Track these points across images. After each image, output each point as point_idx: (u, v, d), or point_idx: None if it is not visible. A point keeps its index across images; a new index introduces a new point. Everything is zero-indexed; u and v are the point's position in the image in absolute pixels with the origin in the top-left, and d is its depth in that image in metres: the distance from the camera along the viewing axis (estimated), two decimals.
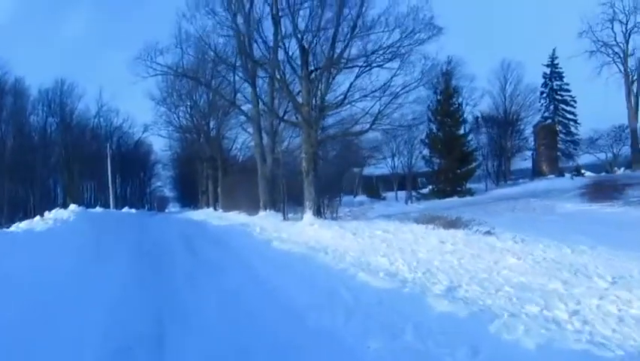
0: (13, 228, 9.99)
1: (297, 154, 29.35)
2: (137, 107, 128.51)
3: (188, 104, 49.41)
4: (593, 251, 9.00)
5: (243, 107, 32.20)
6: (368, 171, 47.21)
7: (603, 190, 22.16)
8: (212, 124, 48.67)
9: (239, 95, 31.49)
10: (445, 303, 6.29)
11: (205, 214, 38.31)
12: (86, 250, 10.78)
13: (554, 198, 23.72)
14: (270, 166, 27.13)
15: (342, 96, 19.25)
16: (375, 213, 21.52)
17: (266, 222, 22.10)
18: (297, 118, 21.40)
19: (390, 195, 40.87)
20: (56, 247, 8.79)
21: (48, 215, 14.08)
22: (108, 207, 45.46)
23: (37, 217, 11.48)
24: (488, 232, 11.51)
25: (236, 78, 30.64)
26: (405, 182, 42.17)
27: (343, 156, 29.79)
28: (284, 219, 22.34)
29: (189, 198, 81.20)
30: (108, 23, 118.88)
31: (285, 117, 22.75)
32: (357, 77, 18.61)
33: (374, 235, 13.20)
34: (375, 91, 18.54)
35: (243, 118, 35.89)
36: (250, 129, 32.65)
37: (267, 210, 26.46)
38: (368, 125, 18.92)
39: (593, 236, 11.06)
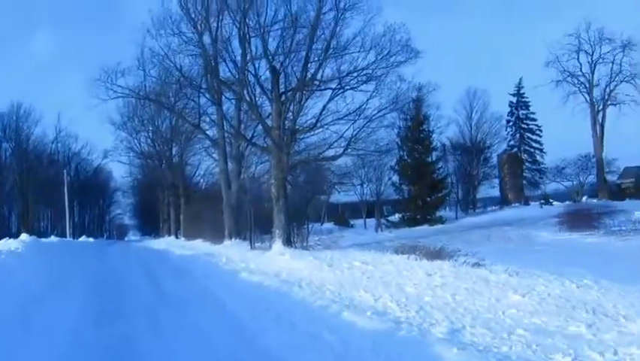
0: None
1: (264, 180, 28.36)
2: (96, 132, 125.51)
3: (150, 129, 48.03)
4: (599, 286, 8.22)
5: (208, 132, 31.09)
6: (334, 198, 46.40)
7: (580, 219, 21.78)
8: (174, 150, 47.35)
9: (204, 118, 30.43)
10: (453, 351, 5.34)
11: (167, 243, 36.72)
12: (32, 287, 9.48)
13: (528, 227, 23.24)
14: (235, 193, 26.03)
15: (314, 119, 18.44)
16: (347, 242, 20.59)
17: (232, 252, 20.92)
18: (265, 142, 20.47)
19: (358, 222, 40.05)
20: None
21: None
22: (65, 236, 43.40)
23: None
24: (477, 264, 10.68)
25: (202, 101, 29.70)
26: (372, 210, 41.50)
27: (311, 183, 28.94)
28: (251, 248, 21.19)
29: (150, 226, 79.00)
30: (68, 46, 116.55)
31: (254, 141, 21.70)
32: (330, 99, 17.86)
33: (352, 267, 12.22)
34: (349, 114, 17.80)
35: (207, 143, 34.73)
36: (215, 154, 31.52)
37: (233, 239, 25.25)
38: (342, 150, 18.06)
39: (588, 268, 10.34)
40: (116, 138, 48.74)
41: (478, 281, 9.12)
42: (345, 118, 17.91)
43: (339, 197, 44.91)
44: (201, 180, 48.56)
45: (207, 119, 30.45)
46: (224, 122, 26.42)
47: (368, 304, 8.48)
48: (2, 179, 57.13)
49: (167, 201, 50.17)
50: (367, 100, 17.51)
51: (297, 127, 17.41)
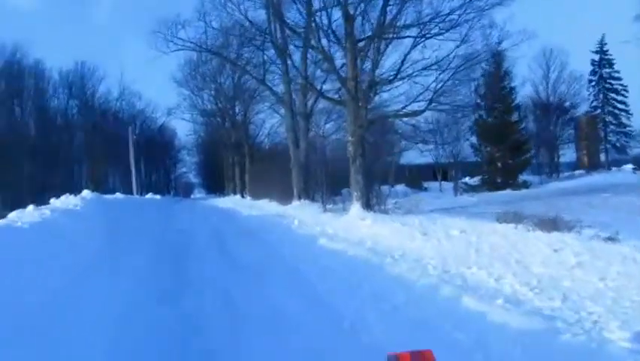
0: None
1: (333, 139, 26.76)
2: (159, 91, 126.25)
3: (213, 86, 47.02)
4: None
5: (273, 88, 29.56)
6: (403, 159, 44.35)
7: None
8: (238, 108, 46.26)
9: (268, 73, 28.90)
10: None
11: (233, 202, 35.94)
12: (86, 253, 8.30)
13: (629, 194, 20.69)
14: (303, 151, 24.53)
15: (392, 71, 16.45)
16: (428, 206, 18.79)
17: (303, 214, 19.57)
18: (339, 96, 18.71)
19: (431, 185, 38.03)
20: (31, 254, 6.27)
21: (54, 202, 11.72)
22: (131, 193, 43.48)
23: (31, 207, 9.00)
24: (610, 238, 8.74)
25: (266, 57, 28.11)
26: (445, 172, 39.37)
27: (381, 142, 27.11)
28: (324, 210, 19.76)
29: (215, 184, 79.17)
30: (129, 4, 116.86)
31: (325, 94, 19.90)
32: (411, 48, 15.80)
33: (451, 236, 10.51)
34: (433, 65, 15.73)
35: (272, 100, 33.23)
36: (282, 111, 30.00)
37: (302, 200, 23.91)
38: (425, 105, 16.12)
39: None
40: (179, 96, 48.16)
41: (627, 262, 7.24)
42: (429, 69, 15.87)
43: (408, 158, 42.90)
44: (266, 140, 47.44)
45: (272, 75, 29.05)
46: (290, 77, 24.74)
47: (487, 286, 6.81)
48: (70, 136, 57.98)
49: (231, 159, 49.49)
50: (456, 47, 15.37)
51: (375, 79, 15.48)
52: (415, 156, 39.73)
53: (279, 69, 26.69)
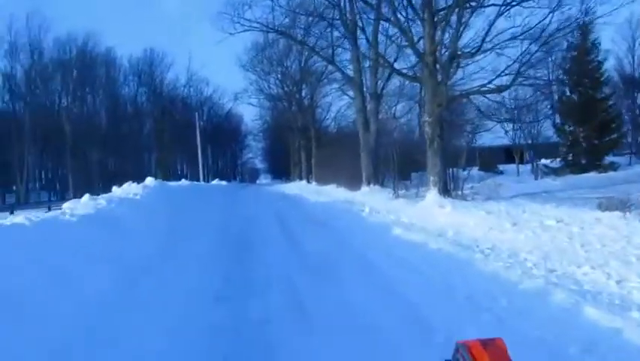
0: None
1: (405, 121, 25.45)
2: (226, 77, 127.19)
3: (279, 70, 46.42)
4: None
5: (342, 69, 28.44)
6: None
7: None
8: (304, 92, 45.53)
9: (336, 57, 27.84)
10: None
11: (299, 188, 35.27)
12: (141, 248, 7.57)
13: None
14: (373, 134, 23.37)
15: (476, 43, 14.95)
16: (509, 192, 17.28)
17: (373, 200, 18.51)
18: (414, 73, 17.40)
19: (506, 168, 35.98)
20: (66, 248, 5.52)
21: (115, 191, 11.18)
22: (198, 179, 43.71)
23: (86, 196, 8.37)
24: None
25: (335, 35, 27.00)
26: (521, 154, 37.17)
27: (455, 123, 25.68)
28: (395, 196, 18.62)
29: (281, 169, 79.17)
30: None
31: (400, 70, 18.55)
32: (497, 16, 14.26)
33: (546, 227, 9.19)
34: (522, 34, 14.15)
35: (341, 81, 32.13)
36: (351, 92, 28.88)
37: (371, 185, 22.81)
38: (510, 79, 14.58)
39: None
40: (245, 80, 47.93)
41: None
42: (517, 39, 14.30)
43: (480, 140, 40.81)
44: (332, 123, 46.43)
45: (341, 56, 27.97)
46: (362, 54, 23.56)
47: (610, 291, 5.57)
48: (140, 124, 59.11)
49: (297, 144, 48.91)
50: (549, 14, 13.69)
51: (457, 52, 14.03)
52: (486, 137, 37.69)
53: (349, 49, 25.61)
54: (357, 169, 25.42)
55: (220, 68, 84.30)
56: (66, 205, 7.75)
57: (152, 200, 10.33)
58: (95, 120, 53.65)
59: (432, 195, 14.02)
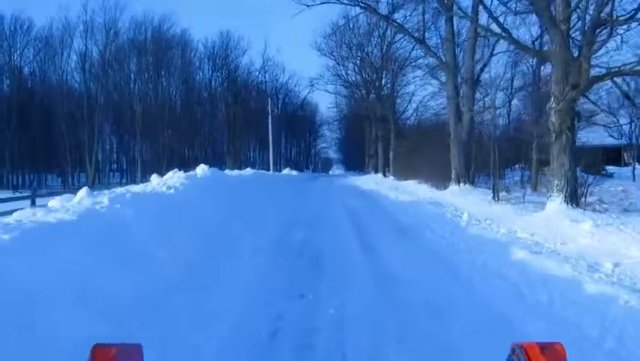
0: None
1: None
2: (302, 64, 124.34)
3: (359, 56, 43.59)
4: None
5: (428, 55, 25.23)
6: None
7: None
8: (384, 80, 42.40)
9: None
10: None
11: (374, 182, 32.33)
12: (163, 276, 4.97)
13: None
14: (467, 125, 20.10)
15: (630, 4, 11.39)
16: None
17: (467, 203, 15.41)
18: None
19: (613, 170, 31.55)
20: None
21: (153, 181, 8.74)
22: (268, 168, 41.64)
23: (83, 191, 5.79)
24: None
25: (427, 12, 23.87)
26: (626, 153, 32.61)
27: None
28: (495, 199, 15.40)
29: (354, 161, 76.49)
30: None
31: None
32: None
33: None
34: None
35: (427, 67, 28.93)
36: (437, 80, 25.66)
37: (461, 184, 19.60)
38: None
39: None
40: (322, 66, 45.42)
41: None
42: None
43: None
44: (413, 115, 43.08)
45: (430, 40, 24.81)
46: (454, 34, 20.30)
47: None
48: (214, 109, 57.73)
49: (374, 135, 45.91)
50: None
51: (605, 17, 10.52)
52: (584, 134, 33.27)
53: (442, 28, 22.46)
54: (442, 165, 22.24)
55: (296, 55, 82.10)
56: (52, 203, 5.29)
57: (191, 196, 7.79)
58: (169, 104, 52.63)
59: (556, 203, 10.76)
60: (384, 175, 39.69)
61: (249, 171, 19.89)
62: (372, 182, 32.04)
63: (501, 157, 22.48)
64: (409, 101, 41.68)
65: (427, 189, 22.11)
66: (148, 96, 51.35)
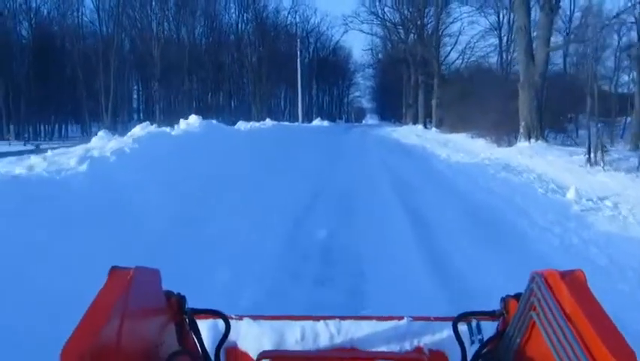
0: None
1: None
2: (336, 5, 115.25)
3: None
4: None
5: None
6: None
7: None
8: (427, 18, 37.61)
9: None
10: None
11: (415, 134, 28.24)
12: None
13: None
14: (541, 65, 15.84)
15: None
16: None
17: (551, 167, 11.60)
18: None
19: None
20: None
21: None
22: (296, 119, 37.91)
23: None
24: None
25: None
26: None
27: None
28: (590, 162, 11.40)
29: (389, 110, 72.15)
30: None
31: None
32: None
33: None
34: None
35: (469, 7, 24.43)
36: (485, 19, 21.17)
37: (532, 140, 15.54)
38: None
39: None
40: (358, 2, 40.80)
41: None
42: None
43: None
44: (460, 58, 38.21)
45: None
46: None
47: None
48: (240, 55, 53.13)
49: (413, 82, 41.42)
50: None
51: None
52: None
53: None
54: (503, 115, 18.18)
55: None
56: None
57: (147, 162, 4.32)
58: (191, 47, 48.58)
59: None
60: (425, 127, 35.55)
61: (267, 123, 16.20)
62: (412, 135, 27.98)
63: (561, 107, 18.38)
64: (455, 42, 36.70)
65: (484, 145, 18.09)
66: (169, 39, 47.36)
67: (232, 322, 1.54)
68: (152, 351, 1.25)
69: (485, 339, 1.48)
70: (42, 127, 47.16)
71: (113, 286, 1.13)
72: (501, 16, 35.07)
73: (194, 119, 9.34)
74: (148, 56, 43.94)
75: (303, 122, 37.87)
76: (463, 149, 17.88)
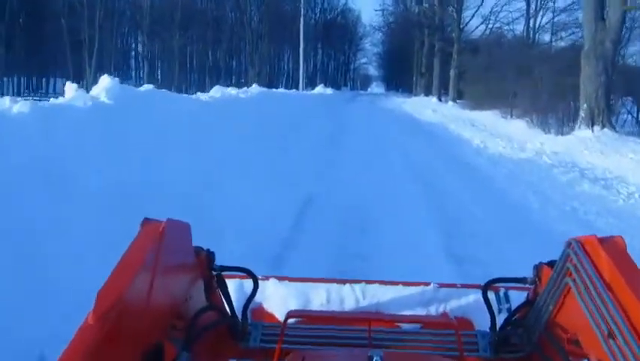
0: None
1: None
2: None
3: None
4: None
5: None
6: None
7: None
8: None
9: None
10: None
11: (431, 108, 24.30)
12: None
13: None
14: (613, 29, 11.91)
15: None
16: None
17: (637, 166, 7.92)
18: None
19: None
20: None
21: None
22: (297, 86, 34.02)
23: None
24: None
25: None
26: None
27: None
28: None
29: (398, 79, 68.04)
30: None
31: None
32: None
33: None
34: None
35: None
36: None
37: (596, 127, 11.74)
38: None
39: None
40: None
41: None
42: None
43: None
44: (486, 24, 33.44)
45: None
46: None
47: None
48: (238, 12, 48.29)
49: (427, 48, 37.21)
50: None
51: None
52: None
53: None
54: (549, 93, 14.44)
55: None
56: None
57: None
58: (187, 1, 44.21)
59: None
60: (440, 100, 31.64)
61: (252, 90, 12.33)
62: (427, 109, 24.09)
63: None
64: (481, 4, 31.82)
65: (525, 129, 14.30)
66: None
67: (259, 282, 1.54)
68: (181, 306, 1.26)
69: (513, 308, 1.46)
70: (28, 81, 43.67)
71: (145, 238, 1.13)
72: None
73: (106, 82, 5.62)
74: (133, 7, 39.64)
75: (305, 89, 33.94)
76: (497, 133, 14.11)
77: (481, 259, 3.97)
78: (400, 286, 1.64)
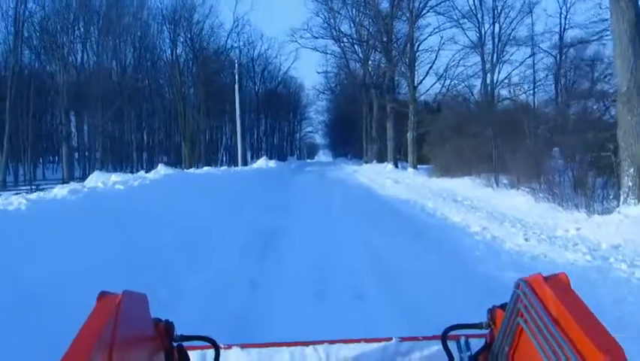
0: None
1: None
2: (285, 28, 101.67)
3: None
4: None
5: None
6: None
7: None
8: (395, 34, 30.27)
9: None
10: None
11: (391, 178, 20.41)
12: None
13: None
14: None
15: None
16: None
17: None
18: None
19: None
20: None
21: None
22: (235, 162, 30.22)
23: None
24: None
25: None
26: None
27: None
28: None
29: (345, 146, 66.19)
30: None
31: None
32: None
33: None
34: None
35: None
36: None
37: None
38: None
39: None
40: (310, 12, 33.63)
41: None
42: None
43: None
44: (442, 82, 30.20)
45: None
46: None
47: None
48: (173, 86, 44.03)
49: (376, 111, 34.16)
50: None
51: None
52: None
53: None
54: (526, 157, 11.01)
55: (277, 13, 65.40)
56: None
57: None
58: (119, 78, 40.16)
59: None
60: (396, 166, 28.22)
61: (155, 174, 8.18)
62: (385, 178, 20.36)
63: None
64: (435, 58, 28.64)
65: (531, 204, 10.52)
66: (77, 62, 38.72)
67: (221, 351, 1.54)
68: None
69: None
70: None
71: (101, 312, 1.11)
72: (485, 27, 28.48)
73: None
74: (49, 82, 35.24)
75: (246, 164, 30.05)
76: (496, 211, 10.26)
77: None
78: (363, 343, 1.63)
